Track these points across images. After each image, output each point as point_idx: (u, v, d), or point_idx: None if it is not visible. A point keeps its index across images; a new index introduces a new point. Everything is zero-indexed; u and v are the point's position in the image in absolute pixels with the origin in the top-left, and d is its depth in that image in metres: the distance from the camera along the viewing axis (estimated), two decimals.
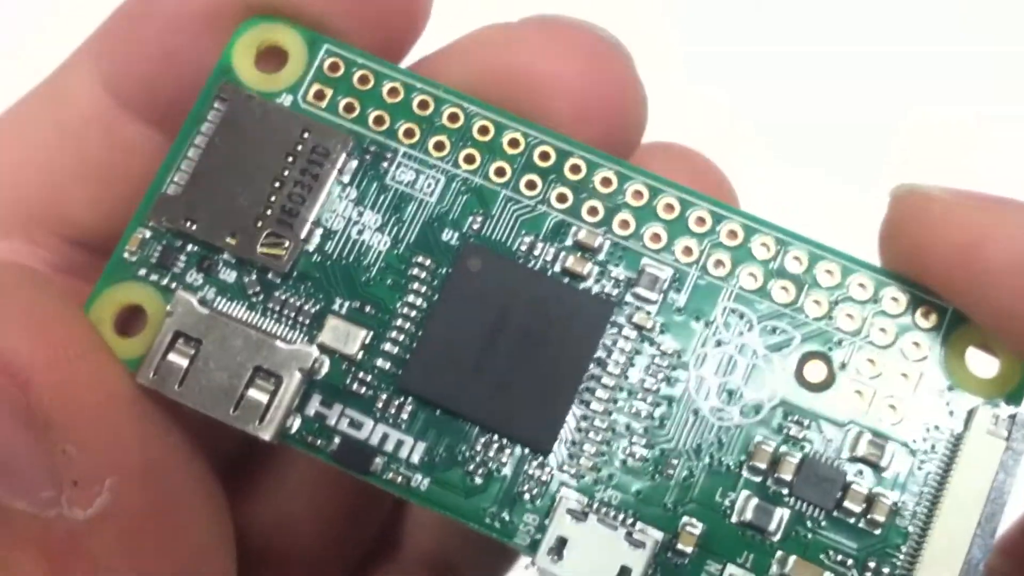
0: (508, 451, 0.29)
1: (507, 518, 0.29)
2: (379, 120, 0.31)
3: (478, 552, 0.40)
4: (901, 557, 0.29)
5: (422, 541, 0.40)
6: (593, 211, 0.30)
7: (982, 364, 0.30)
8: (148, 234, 0.30)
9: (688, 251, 0.30)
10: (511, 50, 0.32)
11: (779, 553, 0.29)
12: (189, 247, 0.30)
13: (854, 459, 0.29)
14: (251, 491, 0.37)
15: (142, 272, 0.30)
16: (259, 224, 0.30)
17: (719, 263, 0.30)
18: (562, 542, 0.28)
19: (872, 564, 0.29)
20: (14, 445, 0.28)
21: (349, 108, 0.31)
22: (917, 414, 0.29)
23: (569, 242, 0.30)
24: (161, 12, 0.31)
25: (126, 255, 0.30)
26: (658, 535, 0.29)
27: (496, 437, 0.29)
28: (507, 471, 0.29)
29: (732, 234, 0.30)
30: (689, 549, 0.29)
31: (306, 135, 0.31)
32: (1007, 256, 0.28)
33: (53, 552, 0.28)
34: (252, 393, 0.29)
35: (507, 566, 0.41)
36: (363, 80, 0.31)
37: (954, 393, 0.29)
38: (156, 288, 0.30)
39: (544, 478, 0.29)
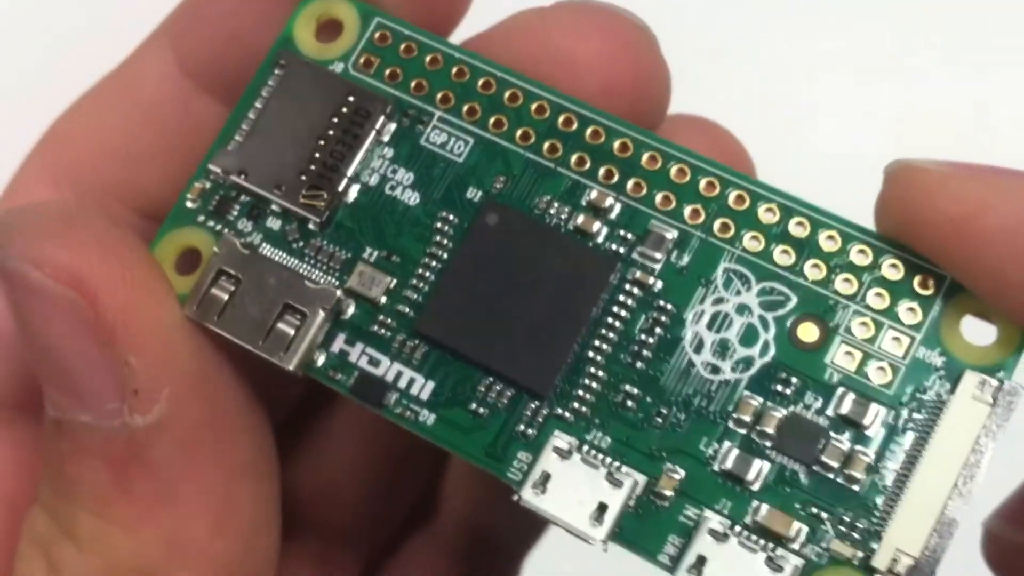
0: (508, 393, 0.31)
1: (502, 455, 0.31)
2: (419, 87, 0.34)
3: (511, 517, 0.42)
4: (877, 514, 0.29)
5: (457, 507, 0.42)
6: (609, 174, 0.32)
7: (978, 333, 0.30)
8: (208, 185, 0.34)
9: (696, 214, 0.32)
10: (545, 33, 0.34)
11: (755, 502, 0.30)
12: (242, 197, 0.34)
13: (838, 416, 0.30)
14: (298, 455, 0.40)
15: (200, 218, 0.34)
16: (303, 177, 0.33)
17: (725, 226, 0.31)
18: (546, 477, 0.30)
19: (847, 518, 0.29)
20: (84, 358, 0.31)
21: (393, 75, 0.34)
22: (906, 378, 0.30)
23: (583, 202, 0.32)
24: None
25: (188, 203, 0.34)
26: (639, 477, 0.30)
27: (498, 380, 0.31)
28: (505, 411, 0.31)
29: (740, 199, 0.32)
30: (669, 492, 0.30)
31: (350, 98, 0.33)
32: (1002, 224, 0.28)
33: (115, 461, 0.32)
34: (280, 326, 0.32)
35: (539, 531, 0.43)
36: (408, 50, 0.34)
37: (946, 359, 0.30)
38: (211, 233, 0.34)
39: (539, 419, 0.31)
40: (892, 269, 0.30)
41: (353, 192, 0.33)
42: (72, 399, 0.31)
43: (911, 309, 0.30)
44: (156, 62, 0.36)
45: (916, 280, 0.30)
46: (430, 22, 0.35)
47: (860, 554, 0.29)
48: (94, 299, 0.31)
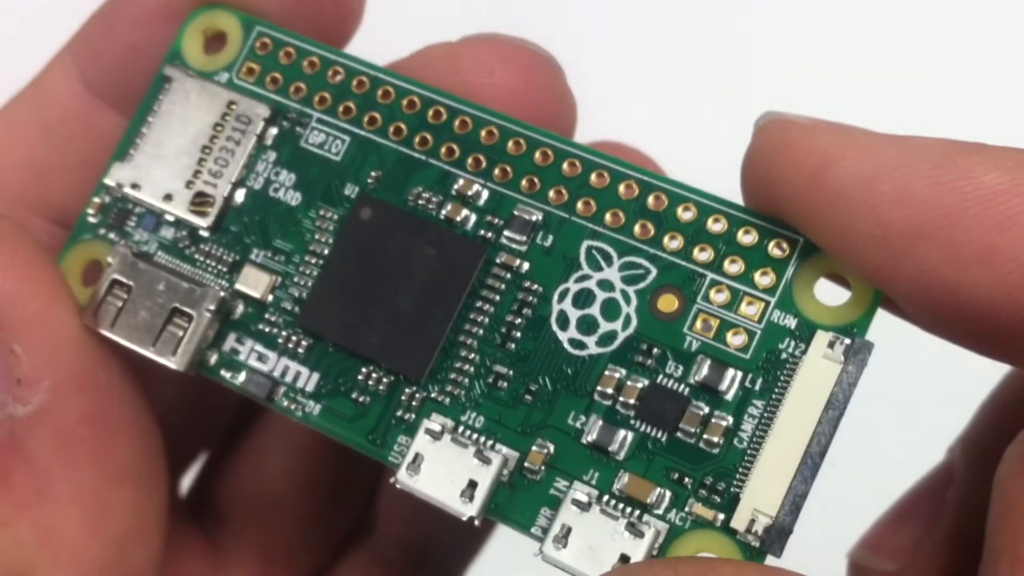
0: (387, 380, 0.32)
1: (382, 440, 0.32)
2: (297, 90, 0.35)
3: (449, 535, 0.42)
4: (736, 476, 0.30)
5: (395, 525, 0.43)
6: (476, 162, 0.33)
7: (832, 294, 0.31)
8: (107, 199, 0.35)
9: (559, 194, 0.32)
10: (452, 67, 0.35)
11: (620, 471, 0.30)
12: (138, 209, 0.35)
13: (696, 383, 0.30)
14: (238, 463, 0.41)
15: (102, 231, 0.35)
16: (189, 187, 0.35)
17: (587, 204, 0.32)
18: (419, 458, 0.31)
19: (708, 482, 0.30)
20: None
21: (274, 81, 0.35)
22: (762, 342, 0.30)
23: (452, 191, 0.33)
24: (126, 11, 0.36)
25: (89, 217, 0.36)
26: (510, 453, 0.31)
27: (377, 367, 0.33)
28: (385, 398, 0.32)
29: (600, 176, 0.32)
30: (539, 466, 0.31)
31: (232, 106, 0.35)
32: (852, 175, 0.28)
33: None
34: (169, 329, 0.33)
35: (477, 548, 0.43)
36: (287, 55, 0.35)
37: (799, 321, 0.30)
38: (111, 245, 0.35)
39: (415, 403, 0.32)
40: (746, 235, 0.31)
41: (240, 196, 0.35)
42: None
43: (765, 273, 0.31)
44: (62, 80, 0.37)
45: (771, 244, 0.31)
46: (319, 35, 0.36)
47: (721, 516, 0.30)
48: None
